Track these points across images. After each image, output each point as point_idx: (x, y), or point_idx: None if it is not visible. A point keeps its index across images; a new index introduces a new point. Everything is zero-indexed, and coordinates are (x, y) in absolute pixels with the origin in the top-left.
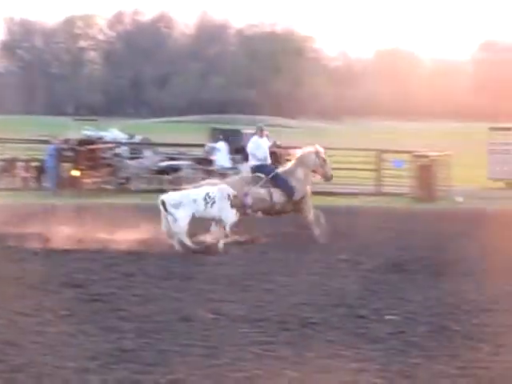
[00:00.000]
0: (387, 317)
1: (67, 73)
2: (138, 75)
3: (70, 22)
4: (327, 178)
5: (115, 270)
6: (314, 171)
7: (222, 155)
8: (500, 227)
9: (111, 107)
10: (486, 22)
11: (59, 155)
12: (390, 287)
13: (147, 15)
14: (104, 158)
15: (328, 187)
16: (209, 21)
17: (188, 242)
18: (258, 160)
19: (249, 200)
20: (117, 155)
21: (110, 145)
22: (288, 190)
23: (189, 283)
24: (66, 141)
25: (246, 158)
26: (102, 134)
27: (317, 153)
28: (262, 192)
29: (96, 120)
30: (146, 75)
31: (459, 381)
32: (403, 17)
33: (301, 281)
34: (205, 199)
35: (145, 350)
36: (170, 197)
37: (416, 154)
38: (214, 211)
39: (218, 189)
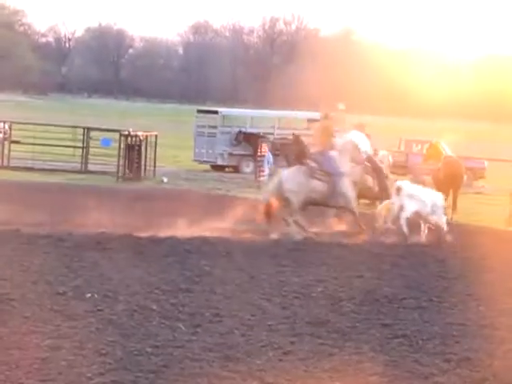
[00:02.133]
0: (87, 295)
1: None
2: None
3: None
4: None
5: None
6: None
7: None
8: (203, 207)
9: None
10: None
11: None
12: (91, 265)
13: None
14: None
15: (30, 163)
16: None
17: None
18: None
19: None
20: None
21: None
22: None
23: None
24: None
25: None
26: None
27: None
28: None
29: None
30: None
31: (153, 359)
32: None
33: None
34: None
35: None
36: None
37: (124, 133)
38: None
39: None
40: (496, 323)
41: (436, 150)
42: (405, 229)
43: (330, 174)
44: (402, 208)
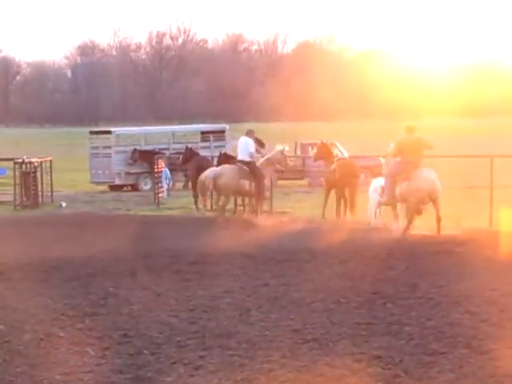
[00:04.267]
0: None
1: None
2: None
3: None
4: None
5: None
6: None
7: None
8: (104, 229)
9: None
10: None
11: None
12: None
13: None
14: None
15: None
16: None
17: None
18: None
19: None
20: None
21: None
22: None
23: None
24: None
25: None
26: None
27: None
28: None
29: None
30: None
31: None
32: None
33: None
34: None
35: None
36: None
37: (18, 160)
38: None
39: None
40: (404, 319)
41: (326, 149)
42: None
43: None
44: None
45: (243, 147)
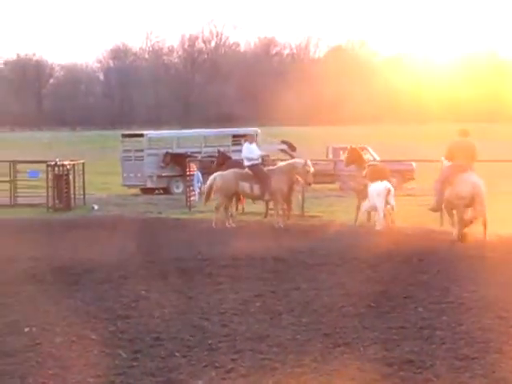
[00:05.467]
0: (25, 329)
1: None
2: None
3: None
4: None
5: None
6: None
7: None
8: (137, 232)
9: None
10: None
11: None
12: (25, 298)
13: None
14: None
15: None
16: None
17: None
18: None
19: None
20: None
21: None
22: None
23: None
24: None
25: None
26: None
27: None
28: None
29: None
30: None
31: None
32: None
33: None
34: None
35: None
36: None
37: (50, 163)
38: None
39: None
40: (435, 323)
41: (356, 153)
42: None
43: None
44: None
45: (249, 154)
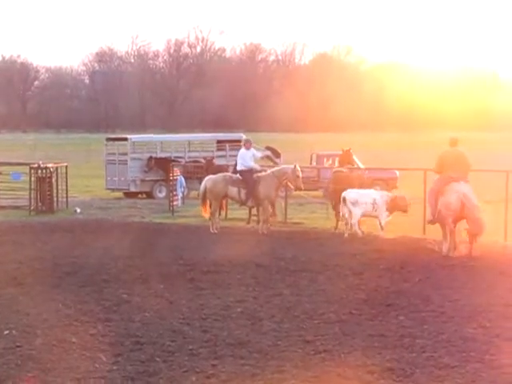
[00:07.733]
0: (5, 332)
1: None
2: None
3: None
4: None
5: None
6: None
7: None
8: (119, 236)
9: None
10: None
11: None
12: (6, 301)
13: None
14: None
15: None
16: None
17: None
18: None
19: None
20: None
21: None
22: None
23: None
24: None
25: None
26: None
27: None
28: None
29: None
30: None
31: None
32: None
33: None
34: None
35: None
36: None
37: (33, 165)
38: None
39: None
40: (416, 332)
41: (350, 156)
42: (358, 231)
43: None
44: (350, 215)
45: (241, 160)
